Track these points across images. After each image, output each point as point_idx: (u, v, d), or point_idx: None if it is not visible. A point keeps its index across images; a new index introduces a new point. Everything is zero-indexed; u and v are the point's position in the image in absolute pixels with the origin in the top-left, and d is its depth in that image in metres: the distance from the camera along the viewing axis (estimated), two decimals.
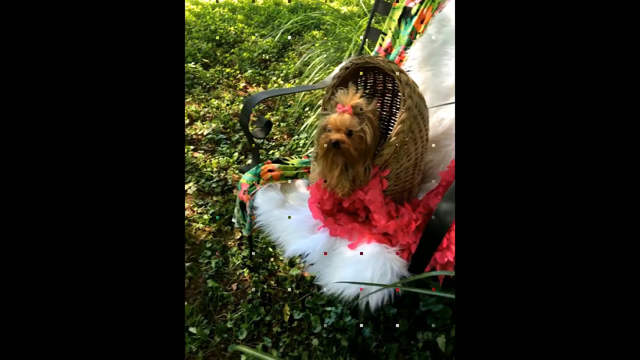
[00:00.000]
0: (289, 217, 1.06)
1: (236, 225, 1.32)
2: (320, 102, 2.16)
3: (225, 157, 2.05)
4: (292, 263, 1.47)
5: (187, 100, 2.58)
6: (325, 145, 0.88)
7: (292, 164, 1.24)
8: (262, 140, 2.14)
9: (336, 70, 1.13)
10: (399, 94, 1.06)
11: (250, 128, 1.23)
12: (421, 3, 1.19)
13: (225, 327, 1.26)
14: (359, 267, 0.89)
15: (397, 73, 0.89)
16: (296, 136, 2.19)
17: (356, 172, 0.90)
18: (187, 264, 1.47)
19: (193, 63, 2.99)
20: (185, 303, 1.34)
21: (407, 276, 0.87)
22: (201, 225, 1.65)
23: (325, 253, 0.96)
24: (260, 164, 1.20)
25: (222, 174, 1.95)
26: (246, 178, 1.17)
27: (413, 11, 1.22)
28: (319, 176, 0.98)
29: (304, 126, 2.17)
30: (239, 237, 1.60)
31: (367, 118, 0.88)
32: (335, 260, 0.95)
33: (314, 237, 1.01)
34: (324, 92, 1.04)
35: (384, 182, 0.94)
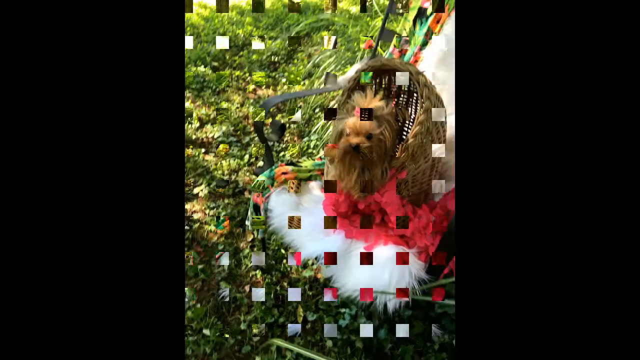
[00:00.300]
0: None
1: (249, 228, 1.32)
2: (332, 102, 2.16)
3: (236, 160, 2.05)
4: (304, 264, 1.46)
5: (197, 103, 2.59)
6: (344, 149, 0.87)
7: (306, 166, 1.23)
8: (272, 142, 2.14)
9: (351, 72, 1.12)
10: (415, 94, 1.05)
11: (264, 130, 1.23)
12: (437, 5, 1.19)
13: (238, 328, 1.26)
14: (376, 269, 0.88)
15: (415, 74, 0.88)
16: (306, 138, 2.19)
17: (373, 175, 0.90)
18: (199, 266, 1.47)
19: (203, 66, 3.00)
20: (199, 305, 1.34)
21: (425, 278, 0.87)
22: (213, 228, 1.66)
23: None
24: (273, 167, 1.20)
25: (234, 177, 1.95)
26: (260, 180, 1.17)
27: (429, 11, 1.21)
28: (335, 179, 0.97)
29: (314, 128, 2.17)
30: (251, 239, 1.60)
31: (386, 121, 0.87)
32: (351, 262, 0.95)
33: (329, 239, 1.01)
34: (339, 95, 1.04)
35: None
